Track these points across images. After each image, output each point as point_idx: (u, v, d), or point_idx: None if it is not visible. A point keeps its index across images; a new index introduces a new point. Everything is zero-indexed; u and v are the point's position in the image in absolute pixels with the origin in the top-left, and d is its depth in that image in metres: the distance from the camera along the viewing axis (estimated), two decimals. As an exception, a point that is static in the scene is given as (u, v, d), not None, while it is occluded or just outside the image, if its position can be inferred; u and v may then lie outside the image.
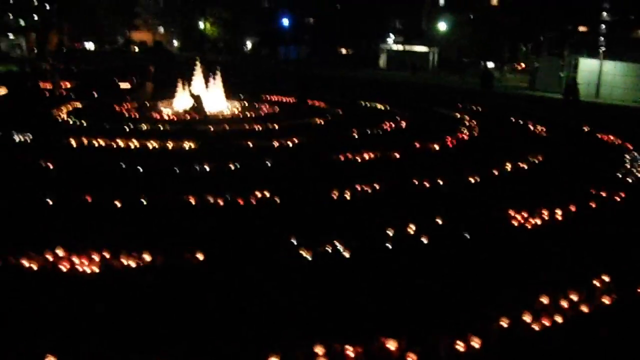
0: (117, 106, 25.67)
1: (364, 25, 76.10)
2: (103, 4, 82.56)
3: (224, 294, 7.73)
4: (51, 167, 14.06)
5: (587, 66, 50.31)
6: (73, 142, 17.10)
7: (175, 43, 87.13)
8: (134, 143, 17.14)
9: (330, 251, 9.15)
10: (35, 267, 8.24)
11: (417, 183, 13.73)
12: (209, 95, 24.85)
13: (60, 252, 8.47)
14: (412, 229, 10.20)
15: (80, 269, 8.25)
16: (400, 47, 78.24)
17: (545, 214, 11.52)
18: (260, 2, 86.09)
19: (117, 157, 15.33)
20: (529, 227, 10.99)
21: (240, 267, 8.56)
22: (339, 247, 9.22)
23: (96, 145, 17.09)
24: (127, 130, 19.75)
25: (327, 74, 55.31)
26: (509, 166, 16.00)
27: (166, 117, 22.90)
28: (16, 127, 18.64)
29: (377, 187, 13.17)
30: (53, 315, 6.98)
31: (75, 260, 8.37)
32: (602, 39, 51.09)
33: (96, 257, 8.42)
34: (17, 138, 17.66)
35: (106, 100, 27.63)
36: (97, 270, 8.26)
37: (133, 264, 8.45)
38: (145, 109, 24.31)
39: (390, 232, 9.97)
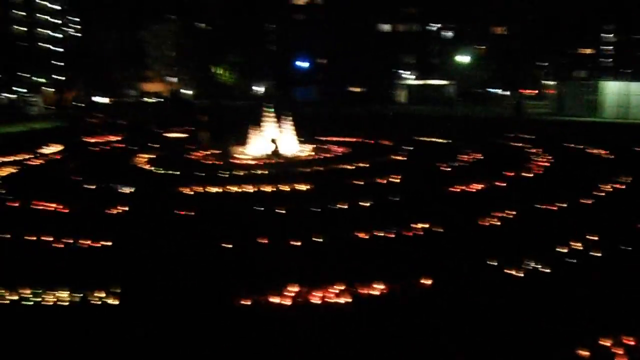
0: (189, 155, 25.80)
1: (376, 63, 77.08)
2: (114, 57, 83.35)
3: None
4: (191, 215, 14.19)
5: (613, 89, 51.05)
6: (187, 191, 17.20)
7: (188, 91, 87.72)
8: (248, 188, 17.26)
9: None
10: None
11: (542, 207, 14.25)
12: (282, 138, 25.14)
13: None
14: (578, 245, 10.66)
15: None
16: (419, 82, 79.26)
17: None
18: (271, 46, 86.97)
19: (244, 202, 15.66)
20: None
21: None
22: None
23: (212, 192, 17.19)
24: (226, 176, 19.90)
25: (353, 112, 55.73)
26: (608, 187, 16.64)
27: (249, 162, 23.09)
28: (112, 180, 18.78)
29: (514, 212, 13.71)
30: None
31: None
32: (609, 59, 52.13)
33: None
34: (122, 190, 17.75)
35: (174, 150, 27.77)
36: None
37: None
38: (224, 156, 24.55)
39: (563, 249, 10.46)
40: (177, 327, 8.01)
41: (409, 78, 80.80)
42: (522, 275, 10.01)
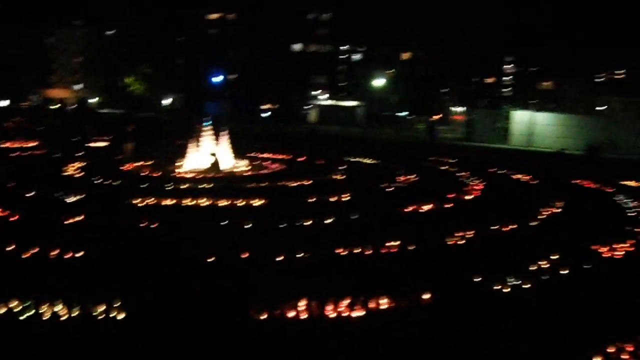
0: (122, 166, 25.25)
1: (287, 82, 77.60)
2: (17, 61, 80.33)
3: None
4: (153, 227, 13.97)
5: (520, 117, 53.40)
6: (136, 203, 16.88)
7: (93, 100, 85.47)
8: (203, 202, 17.09)
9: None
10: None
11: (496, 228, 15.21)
12: (221, 153, 24.97)
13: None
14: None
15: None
16: (330, 102, 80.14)
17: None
18: (180, 59, 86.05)
19: (203, 215, 15.67)
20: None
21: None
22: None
23: (166, 204, 16.92)
24: (169, 189, 19.62)
25: (268, 130, 55.79)
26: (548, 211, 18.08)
27: (189, 176, 22.81)
28: (49, 188, 18.41)
29: (473, 232, 14.49)
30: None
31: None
32: (508, 89, 54.81)
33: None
34: (69, 199, 17.26)
35: (103, 159, 27.08)
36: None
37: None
38: (162, 168, 24.15)
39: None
40: (203, 344, 7.88)
41: (320, 98, 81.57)
42: (509, 290, 10.40)
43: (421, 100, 72.93)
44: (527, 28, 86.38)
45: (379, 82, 75.53)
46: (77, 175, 22.64)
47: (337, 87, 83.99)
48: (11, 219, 14.59)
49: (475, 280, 10.91)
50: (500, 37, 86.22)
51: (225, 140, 25.58)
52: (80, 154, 29.13)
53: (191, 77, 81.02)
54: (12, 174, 21.90)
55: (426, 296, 9.90)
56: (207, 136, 25.21)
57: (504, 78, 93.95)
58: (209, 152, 24.35)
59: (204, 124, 25.41)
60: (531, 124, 53.44)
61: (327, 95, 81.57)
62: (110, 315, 8.49)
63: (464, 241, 14.03)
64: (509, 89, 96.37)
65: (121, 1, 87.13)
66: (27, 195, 17.79)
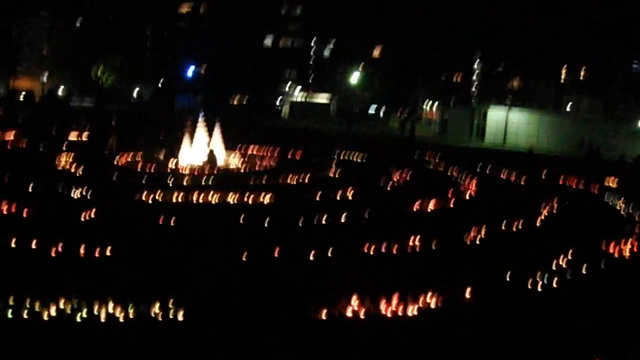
0: (113, 159, 24.93)
1: (258, 76, 77.23)
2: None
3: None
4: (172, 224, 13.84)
5: (495, 115, 53.82)
6: (145, 198, 16.73)
7: (60, 91, 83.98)
8: (213, 198, 16.99)
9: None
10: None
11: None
12: (216, 148, 24.80)
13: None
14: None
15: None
16: (302, 98, 79.90)
17: None
18: (152, 50, 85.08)
19: (217, 212, 15.62)
20: None
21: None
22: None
23: (175, 201, 16.79)
24: (171, 185, 19.45)
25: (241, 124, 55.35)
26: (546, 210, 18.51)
27: (186, 172, 22.62)
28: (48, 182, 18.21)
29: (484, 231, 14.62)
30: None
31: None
32: (474, 88, 55.42)
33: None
34: (73, 194, 17.03)
35: (89, 152, 26.66)
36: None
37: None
38: (154, 162, 23.93)
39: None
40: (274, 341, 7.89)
41: (292, 93, 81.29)
42: (540, 289, 10.61)
43: (393, 97, 73.11)
44: (494, 24, 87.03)
45: (353, 78, 75.45)
46: (72, 169, 22.19)
47: (308, 82, 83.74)
48: (24, 215, 14.25)
49: (507, 277, 11.02)
50: (468, 32, 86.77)
51: (218, 135, 25.33)
52: (64, 146, 28.55)
53: (162, 69, 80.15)
54: (2, 167, 21.40)
55: (467, 293, 10.00)
56: (200, 130, 24.93)
57: (473, 76, 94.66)
58: (205, 147, 24.09)
59: (199, 117, 25.12)
60: (503, 122, 53.82)
61: (299, 90, 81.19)
62: (170, 316, 8.34)
63: (479, 239, 14.08)
64: (476, 85, 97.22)
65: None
66: (29, 189, 17.33)
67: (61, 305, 8.42)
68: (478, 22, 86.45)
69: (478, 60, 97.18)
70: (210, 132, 25.12)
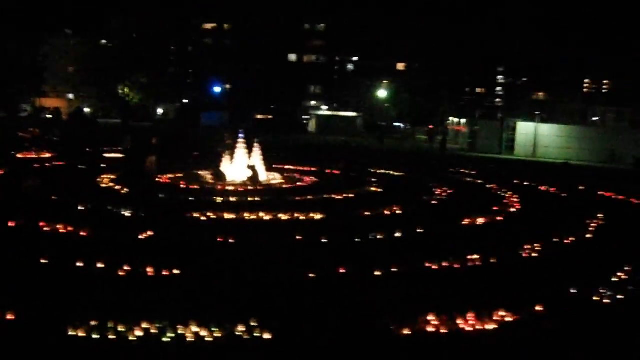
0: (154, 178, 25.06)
1: (284, 92, 77.73)
2: (11, 69, 79.54)
3: None
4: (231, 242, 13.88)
5: (524, 129, 53.77)
6: (198, 216, 16.77)
7: (87, 109, 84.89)
8: (265, 216, 17.01)
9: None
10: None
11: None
12: (258, 165, 24.90)
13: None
14: None
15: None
16: (329, 113, 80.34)
17: None
18: (175, 69, 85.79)
19: (271, 229, 15.70)
20: None
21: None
22: None
23: (228, 218, 16.81)
24: (219, 202, 19.52)
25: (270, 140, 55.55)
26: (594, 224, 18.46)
27: (230, 188, 22.70)
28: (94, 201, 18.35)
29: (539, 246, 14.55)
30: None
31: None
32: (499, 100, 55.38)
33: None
34: (125, 213, 17.10)
35: (130, 171, 26.81)
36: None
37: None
38: (195, 180, 24.06)
39: None
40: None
41: (318, 108, 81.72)
42: (609, 302, 10.52)
43: (420, 112, 73.22)
44: (517, 38, 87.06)
45: (380, 93, 75.70)
46: (116, 187, 22.35)
47: (333, 97, 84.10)
48: (81, 234, 14.32)
49: (571, 291, 10.96)
50: (491, 48, 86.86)
51: (258, 153, 25.42)
52: (103, 165, 28.76)
53: (186, 86, 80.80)
54: (47, 186, 21.60)
55: (539, 307, 9.96)
56: (240, 148, 25.04)
57: (497, 89, 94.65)
58: (247, 165, 24.18)
59: (239, 136, 25.25)
60: (533, 135, 53.85)
61: (325, 106, 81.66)
62: (255, 335, 8.33)
63: (535, 254, 14.01)
64: (500, 99, 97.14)
65: (116, 12, 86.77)
66: (80, 208, 17.43)
67: (144, 325, 8.36)
68: (500, 37, 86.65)
69: (502, 74, 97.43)
70: (249, 150, 25.19)
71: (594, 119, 79.90)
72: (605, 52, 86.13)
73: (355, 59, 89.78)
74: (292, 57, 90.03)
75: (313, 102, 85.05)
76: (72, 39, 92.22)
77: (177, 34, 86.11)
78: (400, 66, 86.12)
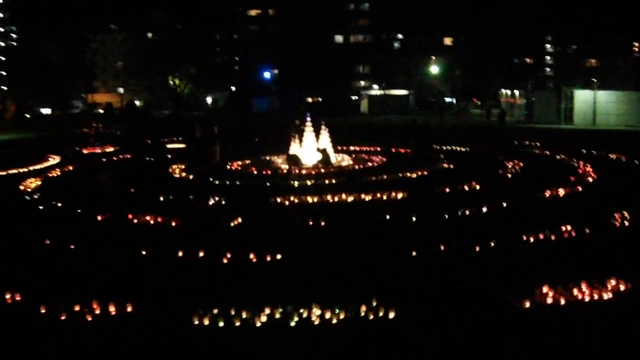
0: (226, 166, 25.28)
1: (332, 73, 77.57)
2: (60, 67, 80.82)
3: None
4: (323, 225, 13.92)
5: (582, 97, 52.79)
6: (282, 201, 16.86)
7: (137, 102, 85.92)
8: (348, 198, 17.04)
9: None
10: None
11: None
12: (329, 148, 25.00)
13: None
14: None
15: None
16: (380, 92, 80.00)
17: None
18: (222, 57, 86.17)
19: (357, 211, 15.63)
20: None
21: None
22: None
23: (312, 202, 16.88)
24: (296, 186, 19.63)
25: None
26: None
27: (303, 172, 22.80)
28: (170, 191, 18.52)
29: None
30: None
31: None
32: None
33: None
34: (211, 201, 17.27)
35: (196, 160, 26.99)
36: None
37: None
38: (266, 166, 24.23)
39: None
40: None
41: (369, 88, 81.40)
42: None
43: (473, 86, 72.48)
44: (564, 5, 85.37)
45: (433, 70, 75.04)
46: (189, 177, 22.61)
47: (381, 77, 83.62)
48: (172, 224, 14.51)
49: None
50: (539, 15, 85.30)
51: (326, 135, 25.47)
52: (169, 156, 29.08)
53: (235, 74, 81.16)
54: (119, 179, 21.96)
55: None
56: (308, 131, 25.12)
57: (546, 58, 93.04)
58: (317, 148, 24.26)
59: (306, 119, 25.34)
60: (591, 103, 52.88)
61: (376, 85, 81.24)
62: (380, 315, 8.37)
63: (627, 224, 13.75)
64: (550, 69, 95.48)
65: (157, 4, 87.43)
66: (161, 199, 17.65)
67: (267, 312, 8.46)
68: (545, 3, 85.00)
69: (548, 43, 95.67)
70: (317, 133, 25.25)
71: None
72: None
73: (400, 36, 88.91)
74: (339, 38, 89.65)
75: (362, 83, 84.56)
76: (118, 34, 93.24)
77: (222, 23, 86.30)
78: (448, 41, 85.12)
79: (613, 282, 9.61)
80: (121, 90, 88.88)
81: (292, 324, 8.32)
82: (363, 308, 8.58)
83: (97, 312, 8.78)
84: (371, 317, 8.47)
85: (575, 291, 9.27)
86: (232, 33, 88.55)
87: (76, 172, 24.94)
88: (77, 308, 8.85)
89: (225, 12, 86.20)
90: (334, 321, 8.37)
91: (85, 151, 32.96)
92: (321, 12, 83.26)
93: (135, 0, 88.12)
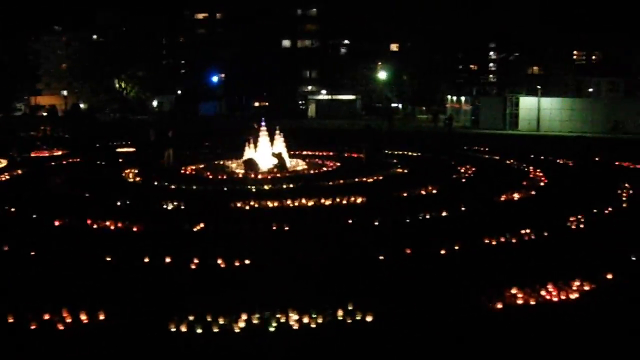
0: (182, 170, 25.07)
1: (279, 78, 77.57)
2: (1, 67, 78.96)
3: None
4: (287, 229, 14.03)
5: (527, 103, 53.98)
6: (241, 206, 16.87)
7: (82, 105, 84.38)
8: (309, 202, 17.11)
9: None
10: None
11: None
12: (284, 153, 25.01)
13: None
14: None
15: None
16: (327, 97, 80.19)
17: None
18: (169, 60, 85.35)
19: (318, 215, 15.67)
20: None
21: None
22: None
23: (271, 206, 16.91)
24: (254, 190, 19.55)
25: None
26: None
27: (259, 177, 22.77)
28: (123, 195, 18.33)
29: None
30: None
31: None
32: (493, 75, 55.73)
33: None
34: (168, 206, 17.14)
35: (148, 165, 26.73)
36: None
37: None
38: (220, 170, 24.15)
39: None
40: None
41: (317, 92, 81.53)
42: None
43: (419, 92, 73.30)
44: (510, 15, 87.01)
45: (381, 75, 75.61)
46: (140, 181, 22.37)
47: (328, 81, 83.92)
48: (134, 229, 14.34)
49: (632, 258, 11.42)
50: (484, 24, 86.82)
51: (280, 140, 25.49)
52: (120, 160, 28.64)
53: (182, 78, 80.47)
54: (74, 183, 21.58)
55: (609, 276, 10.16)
56: (263, 136, 25.12)
57: (490, 65, 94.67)
58: (272, 153, 24.26)
59: (262, 123, 25.32)
60: (535, 110, 54.07)
61: (324, 90, 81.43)
62: (357, 318, 8.47)
63: (582, 225, 14.20)
64: (493, 76, 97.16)
65: (103, 6, 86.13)
66: (118, 204, 17.42)
67: (245, 317, 8.46)
68: (490, 13, 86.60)
69: (493, 50, 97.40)
70: (271, 138, 25.25)
71: (589, 90, 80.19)
72: (594, 24, 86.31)
73: (347, 42, 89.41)
74: (286, 42, 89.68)
75: (309, 87, 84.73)
76: (62, 35, 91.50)
77: (168, 26, 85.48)
78: (394, 47, 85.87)
79: (577, 282, 9.88)
80: (65, 92, 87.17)
81: (271, 329, 8.30)
82: (340, 312, 8.61)
83: (68, 320, 8.57)
84: (349, 320, 8.49)
85: (543, 292, 9.48)
86: (179, 36, 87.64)
87: (26, 176, 24.32)
88: (47, 317, 8.63)
89: (172, 15, 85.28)
90: (313, 325, 8.37)
91: (33, 154, 32.17)
92: (269, 17, 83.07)
93: (80, 1, 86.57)
